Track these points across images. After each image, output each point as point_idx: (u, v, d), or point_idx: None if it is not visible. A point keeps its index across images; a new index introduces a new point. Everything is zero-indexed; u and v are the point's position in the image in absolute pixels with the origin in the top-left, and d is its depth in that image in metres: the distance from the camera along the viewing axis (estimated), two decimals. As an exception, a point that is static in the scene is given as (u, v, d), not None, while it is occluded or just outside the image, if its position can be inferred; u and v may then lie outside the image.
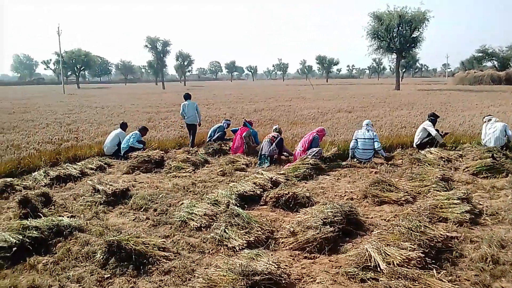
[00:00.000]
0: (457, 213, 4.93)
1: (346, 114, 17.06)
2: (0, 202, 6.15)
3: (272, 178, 6.75)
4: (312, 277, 3.71)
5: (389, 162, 8.34)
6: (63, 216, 5.12)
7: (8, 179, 7.00)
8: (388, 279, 3.37)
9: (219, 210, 5.31)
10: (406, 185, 6.25)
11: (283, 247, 4.38)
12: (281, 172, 7.36)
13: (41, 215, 5.07)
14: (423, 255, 3.68)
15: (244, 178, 7.04)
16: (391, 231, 4.27)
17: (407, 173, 7.10)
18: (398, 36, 42.79)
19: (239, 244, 4.26)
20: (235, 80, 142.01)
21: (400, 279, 3.33)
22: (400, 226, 4.29)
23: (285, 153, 9.04)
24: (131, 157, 8.74)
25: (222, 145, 10.21)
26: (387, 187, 6.02)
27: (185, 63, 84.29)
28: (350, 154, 8.57)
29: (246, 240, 4.32)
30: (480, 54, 65.57)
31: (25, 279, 3.67)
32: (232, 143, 9.93)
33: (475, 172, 7.24)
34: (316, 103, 24.17)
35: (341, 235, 4.51)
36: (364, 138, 8.33)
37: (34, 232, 4.40)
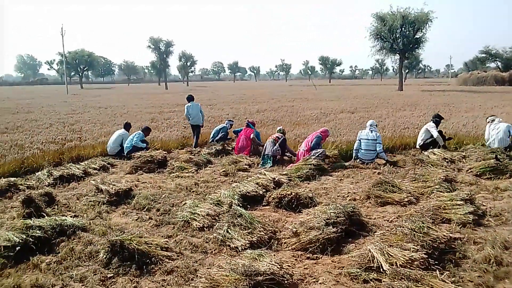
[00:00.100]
0: (461, 214, 4.91)
1: (349, 115, 17.04)
2: (4, 201, 6.18)
3: (274, 178, 6.75)
4: (314, 278, 3.71)
5: (392, 162, 8.31)
6: (66, 216, 5.15)
7: (12, 179, 7.04)
8: (391, 280, 3.37)
9: (221, 210, 5.31)
10: (409, 186, 6.24)
11: (286, 247, 4.38)
12: (284, 172, 7.36)
13: (45, 215, 5.09)
14: (426, 256, 3.67)
15: (246, 178, 7.04)
16: (394, 232, 4.26)
17: (410, 174, 7.08)
18: (401, 37, 42.64)
19: (241, 244, 4.26)
20: (237, 81, 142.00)
21: (403, 280, 3.32)
22: (403, 227, 4.28)
23: (287, 154, 9.04)
24: (134, 157, 8.76)
25: (225, 145, 10.21)
26: (390, 188, 6.01)
27: (188, 64, 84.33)
28: (353, 155, 8.56)
29: (248, 241, 4.32)
30: (484, 55, 65.23)
31: (28, 278, 3.69)
32: (235, 143, 9.93)
33: (478, 173, 7.22)
34: (319, 103, 24.15)
35: (344, 235, 4.50)
36: (367, 139, 8.31)
37: (38, 231, 4.42)
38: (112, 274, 3.76)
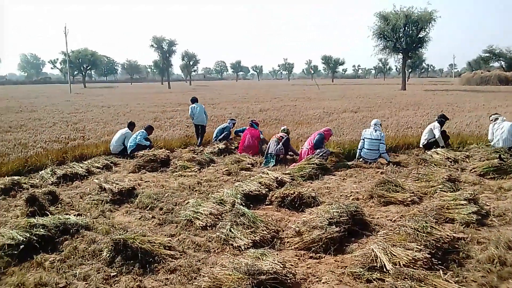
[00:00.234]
0: (464, 214, 4.90)
1: (351, 114, 17.02)
2: (8, 200, 6.20)
3: (277, 177, 6.75)
4: (317, 277, 3.71)
5: (394, 162, 8.29)
6: (69, 214, 5.16)
7: (16, 177, 7.06)
8: (394, 280, 3.36)
9: (224, 210, 5.32)
10: (412, 186, 6.23)
11: (289, 246, 4.38)
12: (287, 171, 7.35)
13: (48, 213, 5.11)
14: (430, 256, 3.66)
15: (249, 177, 7.04)
16: (397, 231, 4.25)
17: (414, 173, 7.05)
18: (405, 36, 42.54)
19: (244, 244, 4.26)
20: (240, 80, 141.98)
21: (406, 279, 3.31)
22: (406, 227, 4.27)
23: (290, 153, 9.04)
24: (137, 156, 8.78)
25: (228, 144, 10.22)
26: (393, 187, 5.99)
27: (191, 63, 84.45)
28: (357, 154, 8.54)
29: (251, 240, 4.32)
30: (487, 55, 65.09)
31: (32, 277, 3.70)
32: (240, 142, 9.91)
33: (482, 173, 7.19)
34: (322, 103, 24.12)
35: (347, 235, 4.49)
36: (371, 138, 8.28)
37: (41, 230, 4.43)
38: (116, 273, 3.77)
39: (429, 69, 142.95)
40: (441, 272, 3.49)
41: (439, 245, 3.96)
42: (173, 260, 3.99)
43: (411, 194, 5.82)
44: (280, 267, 3.51)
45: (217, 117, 16.13)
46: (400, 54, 45.17)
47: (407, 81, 53.58)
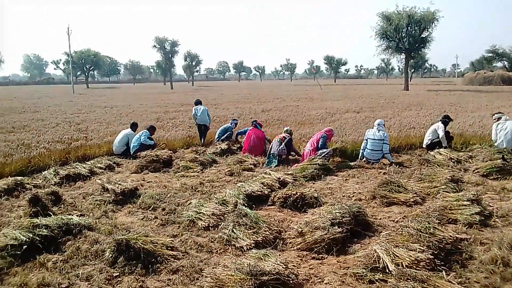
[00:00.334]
0: (467, 215, 4.89)
1: (354, 115, 16.99)
2: (11, 200, 6.23)
3: (280, 178, 6.75)
4: (320, 278, 3.71)
5: (396, 163, 8.27)
6: (72, 215, 5.18)
7: (19, 178, 7.08)
8: (396, 281, 3.35)
9: (227, 210, 5.32)
10: (415, 186, 6.21)
11: (291, 247, 4.37)
12: (289, 172, 7.35)
13: (51, 214, 5.12)
14: (432, 257, 3.65)
15: (252, 178, 7.04)
16: (400, 232, 4.24)
17: (416, 174, 7.04)
18: (407, 36, 42.43)
19: (247, 244, 4.26)
20: (242, 80, 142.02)
21: (409, 280, 3.30)
22: (409, 228, 4.26)
23: (292, 153, 9.04)
24: (139, 156, 8.80)
25: (230, 145, 10.22)
26: (395, 188, 5.98)
27: (193, 63, 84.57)
28: (360, 154, 8.52)
29: (254, 240, 4.32)
30: (490, 55, 64.88)
31: (35, 277, 3.71)
32: (244, 142, 9.88)
33: (485, 173, 7.16)
34: (324, 103, 24.10)
35: (349, 236, 4.49)
36: (374, 139, 8.26)
37: (44, 230, 4.44)
38: (118, 273, 3.77)
39: (432, 69, 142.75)
40: (444, 273, 3.48)
41: (442, 246, 3.94)
42: (176, 260, 4.00)
43: (414, 195, 5.81)
44: (283, 267, 3.51)
45: (220, 118, 16.14)
46: (403, 54, 45.05)
47: (410, 81, 53.43)
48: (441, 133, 9.11)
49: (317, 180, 7.18)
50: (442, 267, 3.60)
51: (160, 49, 69.42)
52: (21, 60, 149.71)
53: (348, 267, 3.86)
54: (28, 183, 6.97)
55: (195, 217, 5.09)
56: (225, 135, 10.86)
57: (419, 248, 3.77)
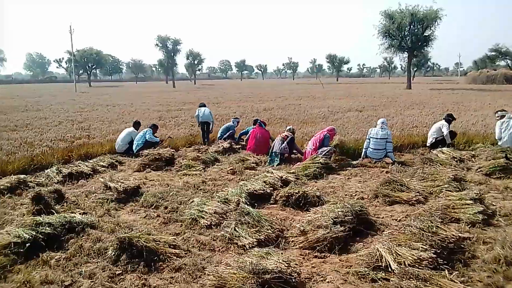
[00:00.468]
0: (470, 214, 4.87)
1: (356, 113, 16.96)
2: (14, 198, 6.24)
3: (282, 177, 6.75)
4: (322, 276, 3.71)
5: (399, 162, 8.26)
6: (75, 213, 5.19)
7: (22, 176, 7.09)
8: (399, 280, 3.35)
9: (229, 208, 5.32)
10: (417, 185, 6.19)
11: (293, 246, 4.38)
12: (291, 171, 7.35)
13: (54, 212, 5.14)
14: (435, 256, 3.64)
15: (254, 176, 7.04)
16: (403, 231, 4.23)
17: (419, 173, 7.01)
18: (410, 34, 42.30)
19: (249, 243, 4.26)
20: (245, 79, 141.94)
21: (411, 279, 3.30)
22: (411, 226, 4.25)
23: (295, 152, 9.03)
24: (142, 155, 8.81)
25: (232, 143, 10.22)
26: (398, 187, 5.97)
27: (196, 62, 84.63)
28: (362, 153, 8.50)
29: (256, 239, 4.32)
30: (493, 53, 64.66)
31: (38, 275, 3.73)
32: (248, 141, 9.88)
33: (488, 172, 7.15)
34: (327, 102, 24.07)
35: (352, 234, 4.49)
36: (377, 138, 8.23)
37: (47, 228, 4.46)
38: (121, 271, 3.79)
39: (435, 68, 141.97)
40: (446, 272, 3.47)
41: (444, 245, 3.94)
42: (178, 258, 4.00)
43: (417, 194, 5.79)
44: (285, 266, 3.50)
45: (222, 116, 16.13)
46: (406, 52, 44.88)
47: (413, 80, 53.30)
48: (445, 131, 9.08)
49: (319, 178, 7.17)
50: (445, 266, 3.59)
51: (163, 48, 69.56)
52: (24, 58, 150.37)
53: (351, 266, 3.85)
54: (31, 181, 6.99)
55: (197, 216, 5.09)
56: (227, 134, 10.86)
57: (421, 247, 3.76)
